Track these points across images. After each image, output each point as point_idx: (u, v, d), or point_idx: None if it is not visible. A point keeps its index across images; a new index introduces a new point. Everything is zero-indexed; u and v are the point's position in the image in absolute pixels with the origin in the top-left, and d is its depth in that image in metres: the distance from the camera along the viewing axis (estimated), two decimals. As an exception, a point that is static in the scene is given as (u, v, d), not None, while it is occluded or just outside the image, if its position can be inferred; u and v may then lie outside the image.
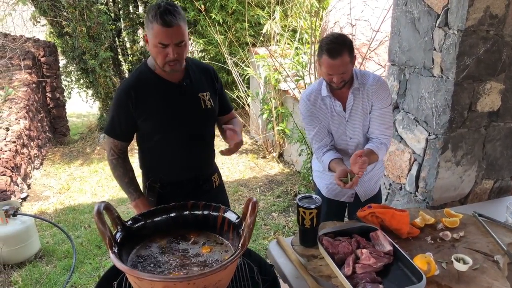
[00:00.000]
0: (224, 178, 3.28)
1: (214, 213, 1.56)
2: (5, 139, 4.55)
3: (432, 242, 1.82)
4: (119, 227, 1.45)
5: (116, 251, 1.32)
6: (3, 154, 4.31)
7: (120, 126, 1.85)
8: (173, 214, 1.58)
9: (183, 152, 1.92)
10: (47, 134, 6.18)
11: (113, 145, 1.88)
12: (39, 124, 5.78)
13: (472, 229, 1.92)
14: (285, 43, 5.30)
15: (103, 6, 6.36)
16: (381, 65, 4.31)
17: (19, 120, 4.99)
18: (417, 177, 2.59)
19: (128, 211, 4.25)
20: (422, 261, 1.58)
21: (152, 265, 1.40)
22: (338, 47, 1.89)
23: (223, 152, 1.81)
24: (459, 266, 1.62)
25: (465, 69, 2.22)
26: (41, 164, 5.55)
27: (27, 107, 5.33)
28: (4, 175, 4.09)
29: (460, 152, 2.43)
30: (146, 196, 1.97)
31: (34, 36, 6.93)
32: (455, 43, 2.17)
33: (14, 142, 4.58)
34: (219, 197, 2.10)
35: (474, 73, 2.25)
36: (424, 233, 1.88)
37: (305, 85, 4.66)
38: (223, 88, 2.07)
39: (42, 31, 7.52)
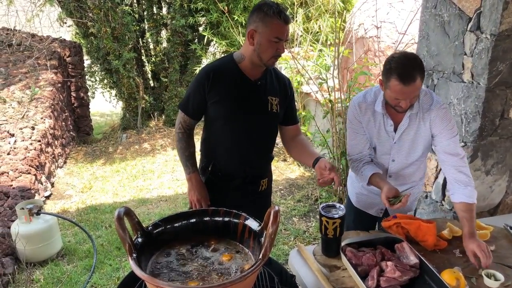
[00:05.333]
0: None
1: (235, 220, 1.53)
2: (30, 137, 4.63)
3: (461, 255, 1.75)
4: (139, 232, 1.44)
5: (135, 257, 1.31)
6: (29, 152, 4.39)
7: (193, 103, 1.99)
8: (193, 220, 1.56)
9: (239, 146, 2.00)
10: (71, 133, 6.27)
11: (182, 120, 2.04)
12: (63, 123, 5.87)
13: (503, 243, 1.84)
14: (308, 45, 5.24)
15: (127, 7, 6.42)
16: (406, 69, 4.21)
17: (45, 119, 5.07)
18: (444, 185, 2.50)
19: (149, 211, 4.27)
20: (451, 276, 1.52)
21: (171, 272, 1.38)
22: (411, 72, 1.69)
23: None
24: (490, 283, 1.55)
25: (497, 75, 2.13)
26: (65, 162, 5.63)
27: (52, 106, 5.42)
28: (29, 173, 4.16)
29: (490, 161, 2.34)
30: None
31: (61, 37, 7.05)
32: (488, 47, 2.09)
33: (39, 141, 4.66)
34: (263, 201, 2.16)
35: (507, 79, 2.16)
36: (452, 245, 1.81)
37: (328, 88, 4.59)
38: (294, 100, 2.13)
39: (68, 32, 7.64)
